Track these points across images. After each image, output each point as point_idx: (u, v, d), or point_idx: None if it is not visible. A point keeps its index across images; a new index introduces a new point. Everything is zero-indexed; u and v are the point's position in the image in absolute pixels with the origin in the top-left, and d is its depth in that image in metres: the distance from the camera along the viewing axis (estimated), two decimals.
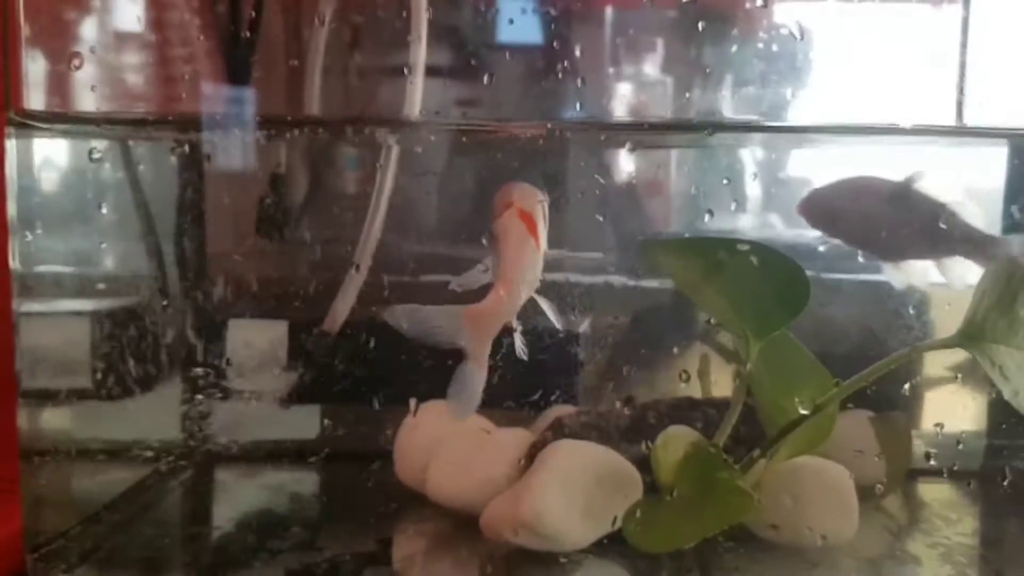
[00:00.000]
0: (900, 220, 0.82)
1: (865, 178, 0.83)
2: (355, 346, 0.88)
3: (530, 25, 0.83)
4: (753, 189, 0.94)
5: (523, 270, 0.67)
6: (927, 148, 0.93)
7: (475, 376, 0.66)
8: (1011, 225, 0.83)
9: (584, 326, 0.92)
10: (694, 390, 0.85)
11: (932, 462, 0.79)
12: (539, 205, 0.70)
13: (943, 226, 0.80)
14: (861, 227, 0.82)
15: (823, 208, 0.84)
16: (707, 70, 0.82)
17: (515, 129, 0.82)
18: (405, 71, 0.79)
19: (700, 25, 0.80)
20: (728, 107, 0.82)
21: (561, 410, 0.84)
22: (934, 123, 0.78)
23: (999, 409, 0.84)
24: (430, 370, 0.88)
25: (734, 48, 0.80)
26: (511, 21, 0.82)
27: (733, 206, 0.87)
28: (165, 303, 0.90)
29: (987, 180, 0.89)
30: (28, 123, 0.70)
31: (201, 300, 0.91)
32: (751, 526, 0.73)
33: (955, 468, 0.79)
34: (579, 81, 0.81)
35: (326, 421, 0.94)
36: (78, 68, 0.71)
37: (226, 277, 0.91)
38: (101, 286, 0.88)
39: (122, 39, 0.83)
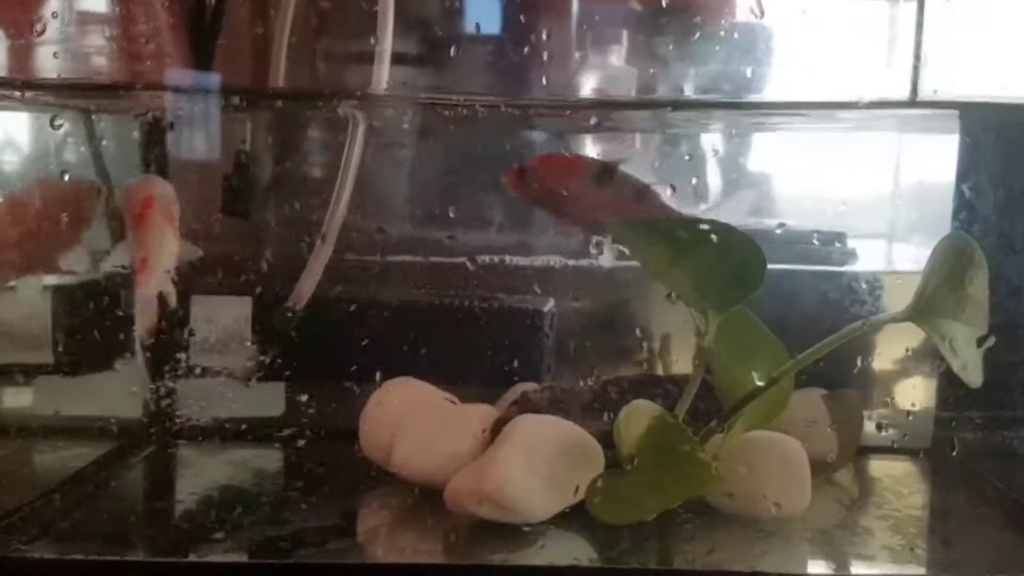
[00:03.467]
0: (606, 198, 0.85)
1: (570, 156, 0.85)
2: (320, 322, 0.88)
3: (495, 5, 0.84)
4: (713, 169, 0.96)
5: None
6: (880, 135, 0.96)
7: None
8: (961, 204, 0.86)
9: (549, 305, 0.94)
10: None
11: (884, 433, 0.82)
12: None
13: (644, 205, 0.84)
14: (569, 203, 0.85)
15: (533, 184, 0.86)
16: (669, 49, 0.83)
17: (479, 105, 0.83)
18: (375, 42, 0.79)
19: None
20: (689, 87, 0.84)
21: (526, 386, 0.86)
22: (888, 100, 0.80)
23: (947, 384, 0.87)
24: (395, 347, 0.89)
25: (696, 34, 0.82)
26: None
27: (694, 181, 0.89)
28: (127, 278, 0.90)
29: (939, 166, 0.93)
30: None
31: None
32: (708, 497, 0.75)
33: (905, 437, 0.82)
34: (545, 58, 0.82)
35: (290, 398, 0.94)
36: (40, 34, 0.71)
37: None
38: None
39: (84, 10, 0.82)
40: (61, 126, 0.81)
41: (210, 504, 0.79)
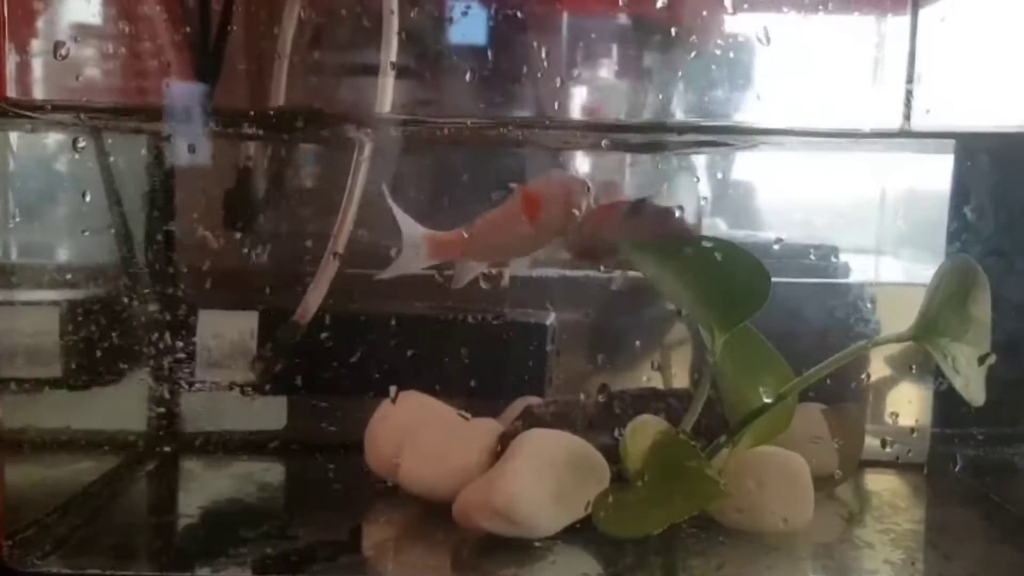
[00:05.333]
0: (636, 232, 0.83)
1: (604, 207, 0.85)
2: (326, 336, 0.89)
3: (493, 26, 0.85)
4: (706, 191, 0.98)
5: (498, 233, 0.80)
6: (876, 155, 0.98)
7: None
8: (962, 226, 0.87)
9: (551, 319, 0.94)
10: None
11: (888, 449, 0.83)
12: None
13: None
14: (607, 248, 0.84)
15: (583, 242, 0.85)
16: (664, 74, 0.85)
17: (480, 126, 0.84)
18: (388, 64, 0.80)
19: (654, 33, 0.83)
20: (680, 111, 0.85)
21: (529, 400, 0.86)
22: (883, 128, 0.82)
23: (947, 400, 0.88)
24: (401, 361, 0.90)
25: (691, 55, 0.83)
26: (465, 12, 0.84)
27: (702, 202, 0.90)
28: (134, 294, 0.90)
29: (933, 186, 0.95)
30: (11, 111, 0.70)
31: (171, 291, 0.91)
32: (713, 512, 0.76)
33: (909, 453, 0.83)
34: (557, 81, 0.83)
35: (294, 411, 0.95)
36: (64, 58, 0.71)
37: (196, 268, 0.91)
38: (70, 276, 0.88)
39: (90, 30, 0.82)
40: (83, 148, 0.82)
41: (217, 518, 0.79)
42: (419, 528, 0.78)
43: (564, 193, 0.80)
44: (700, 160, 0.99)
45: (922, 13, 0.83)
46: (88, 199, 0.87)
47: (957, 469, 0.86)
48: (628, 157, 1.00)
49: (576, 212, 0.80)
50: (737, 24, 0.80)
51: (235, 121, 0.86)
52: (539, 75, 0.82)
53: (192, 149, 0.85)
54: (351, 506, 0.82)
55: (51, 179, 0.86)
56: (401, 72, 0.82)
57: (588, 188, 0.81)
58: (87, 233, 0.89)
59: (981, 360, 0.69)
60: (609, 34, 0.87)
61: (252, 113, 0.85)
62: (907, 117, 0.80)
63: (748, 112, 0.82)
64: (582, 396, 0.84)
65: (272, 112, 0.86)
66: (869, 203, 0.99)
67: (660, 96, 0.84)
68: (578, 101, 0.87)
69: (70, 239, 0.90)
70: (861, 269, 0.99)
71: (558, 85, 0.83)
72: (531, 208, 0.80)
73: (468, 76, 0.83)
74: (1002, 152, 0.89)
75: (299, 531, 0.75)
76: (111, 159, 0.88)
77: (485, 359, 0.91)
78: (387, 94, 0.82)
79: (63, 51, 0.70)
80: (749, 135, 0.88)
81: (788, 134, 0.85)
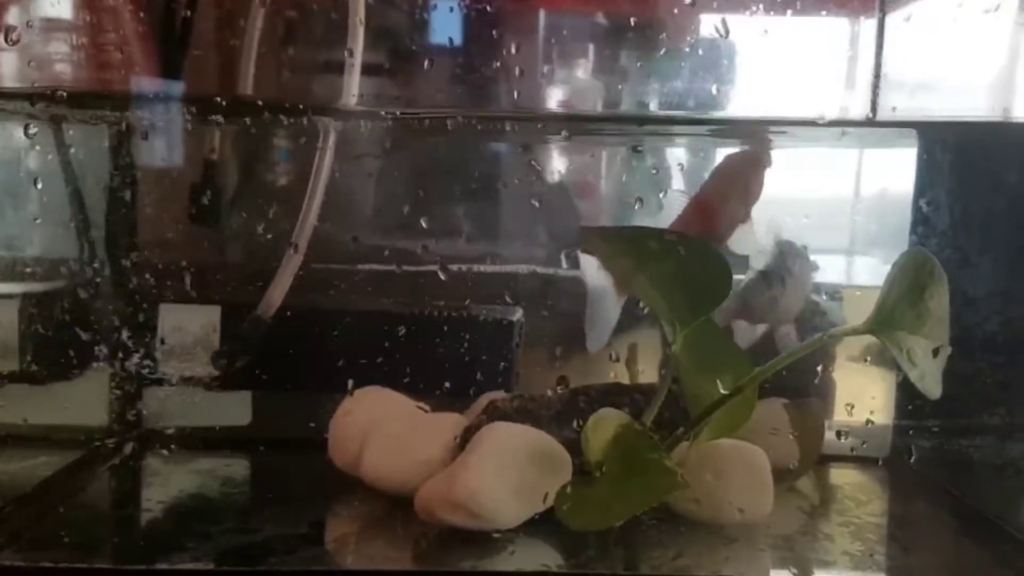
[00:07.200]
0: None
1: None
2: (288, 331, 0.88)
3: (465, 19, 0.85)
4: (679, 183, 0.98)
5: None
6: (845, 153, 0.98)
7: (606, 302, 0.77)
8: (919, 219, 0.88)
9: (518, 315, 0.94)
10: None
11: (844, 440, 0.84)
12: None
13: None
14: None
15: None
16: (635, 66, 0.85)
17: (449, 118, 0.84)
18: (346, 56, 0.80)
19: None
20: (653, 103, 0.85)
21: (494, 395, 0.86)
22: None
23: (904, 393, 0.89)
24: (366, 356, 0.90)
25: (662, 51, 0.83)
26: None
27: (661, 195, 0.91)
28: (95, 286, 0.90)
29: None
30: None
31: (132, 284, 0.90)
32: (674, 504, 0.76)
33: (864, 445, 0.84)
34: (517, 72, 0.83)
35: (258, 406, 0.94)
36: (15, 43, 0.70)
37: (158, 260, 0.90)
38: (30, 269, 0.87)
39: (52, 18, 0.81)
40: (40, 137, 0.81)
41: (178, 513, 0.79)
42: (380, 521, 0.77)
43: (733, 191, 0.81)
44: (672, 156, 1.00)
45: (889, 17, 0.84)
46: (47, 190, 0.87)
47: (912, 461, 0.86)
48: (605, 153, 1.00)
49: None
50: (714, 23, 0.81)
51: (200, 110, 0.86)
52: (505, 67, 0.82)
53: (153, 139, 0.85)
54: (313, 500, 0.81)
55: (10, 171, 0.86)
56: (368, 63, 0.82)
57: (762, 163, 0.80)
58: (46, 224, 0.88)
59: (935, 353, 0.70)
60: (582, 27, 0.87)
61: (217, 102, 0.85)
62: (873, 110, 0.81)
63: (726, 108, 0.83)
64: (548, 392, 0.84)
65: (237, 101, 0.85)
66: (840, 202, 0.99)
67: (622, 87, 0.85)
68: (545, 93, 0.87)
69: (29, 231, 0.89)
70: (830, 267, 0.99)
71: (521, 75, 0.83)
72: (706, 221, 0.80)
73: (430, 65, 0.83)
74: (961, 144, 0.90)
75: (260, 525, 0.74)
76: (71, 150, 0.88)
77: (452, 355, 0.91)
78: (353, 84, 0.81)
79: (14, 36, 0.69)
80: (721, 124, 0.89)
81: (759, 123, 0.86)
